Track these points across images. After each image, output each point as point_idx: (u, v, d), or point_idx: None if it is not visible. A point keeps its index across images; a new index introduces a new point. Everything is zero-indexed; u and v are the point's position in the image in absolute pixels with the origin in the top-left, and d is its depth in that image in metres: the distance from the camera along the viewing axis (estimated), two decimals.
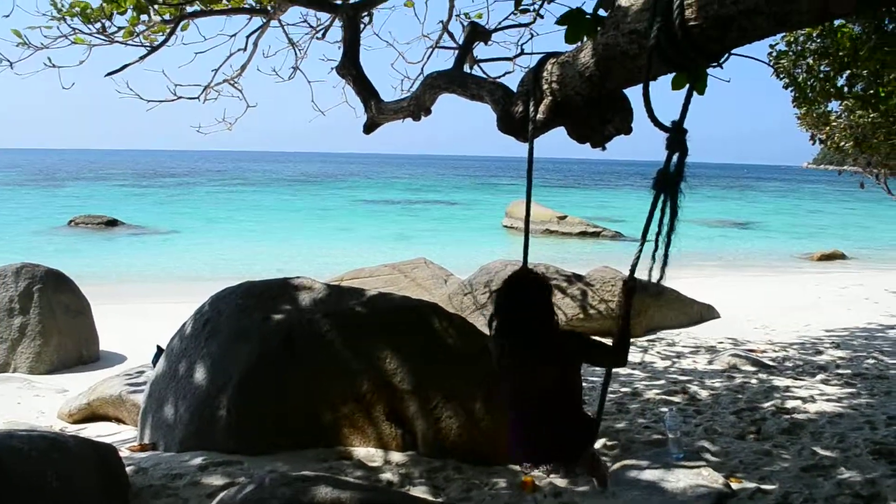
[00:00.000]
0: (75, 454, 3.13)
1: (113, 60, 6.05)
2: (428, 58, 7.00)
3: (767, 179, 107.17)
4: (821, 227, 38.16)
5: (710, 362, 8.30)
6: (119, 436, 6.02)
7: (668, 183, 2.91)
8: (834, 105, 10.10)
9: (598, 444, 5.03)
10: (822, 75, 7.78)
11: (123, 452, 4.76)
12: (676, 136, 2.85)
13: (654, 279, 3.10)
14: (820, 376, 7.59)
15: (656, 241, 3.03)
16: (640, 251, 3.13)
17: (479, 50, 6.45)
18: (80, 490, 2.85)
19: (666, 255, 2.99)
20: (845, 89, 7.83)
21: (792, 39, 7.77)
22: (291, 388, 4.69)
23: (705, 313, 12.23)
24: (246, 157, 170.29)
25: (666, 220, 2.94)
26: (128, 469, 4.15)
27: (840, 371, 7.87)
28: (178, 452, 4.66)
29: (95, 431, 6.30)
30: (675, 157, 2.90)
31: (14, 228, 28.94)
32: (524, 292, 3.41)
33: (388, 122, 5.96)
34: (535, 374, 3.39)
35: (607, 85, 3.09)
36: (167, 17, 5.54)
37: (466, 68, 5.84)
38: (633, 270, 3.30)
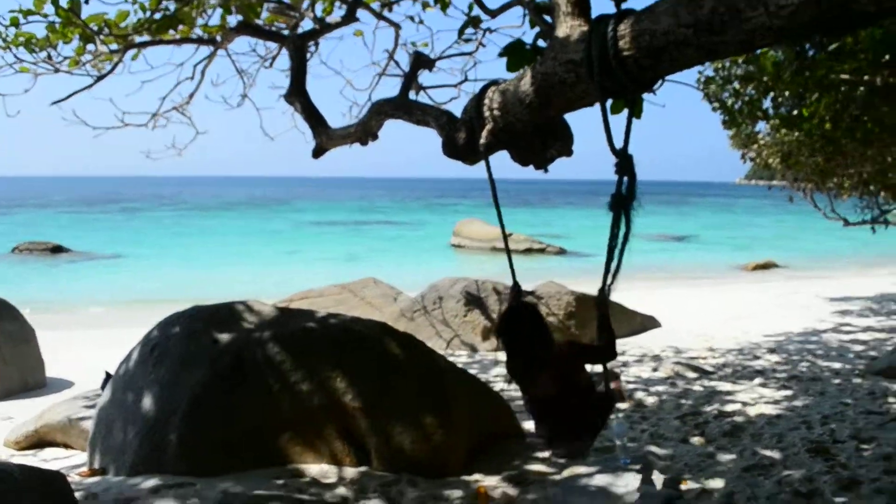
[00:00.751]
0: (20, 482, 3.09)
1: (60, 88, 6.02)
2: (375, 84, 7.11)
3: (703, 195, 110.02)
4: (754, 238, 39.42)
5: (654, 370, 8.54)
6: (68, 461, 5.90)
7: (622, 203, 3.19)
8: (761, 125, 10.54)
9: (548, 453, 5.15)
10: (748, 98, 8.14)
11: (73, 478, 4.69)
12: (624, 161, 3.09)
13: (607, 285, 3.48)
14: (758, 380, 7.88)
15: (610, 253, 3.38)
16: (609, 265, 3.47)
17: (425, 77, 6.62)
18: None
19: (619, 265, 3.37)
20: (770, 111, 8.20)
21: (719, 66, 8.11)
22: (242, 409, 4.69)
23: (647, 323, 12.55)
24: (195, 182, 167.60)
25: (621, 233, 3.28)
26: (77, 494, 4.09)
27: (777, 374, 8.19)
28: (128, 476, 4.61)
29: (43, 458, 6.18)
30: (625, 180, 3.17)
31: None
32: (519, 322, 3.95)
33: (336, 147, 6.05)
34: (545, 383, 3.89)
35: (547, 112, 3.24)
36: (114, 46, 5.54)
37: (412, 95, 5.97)
38: (604, 283, 3.68)
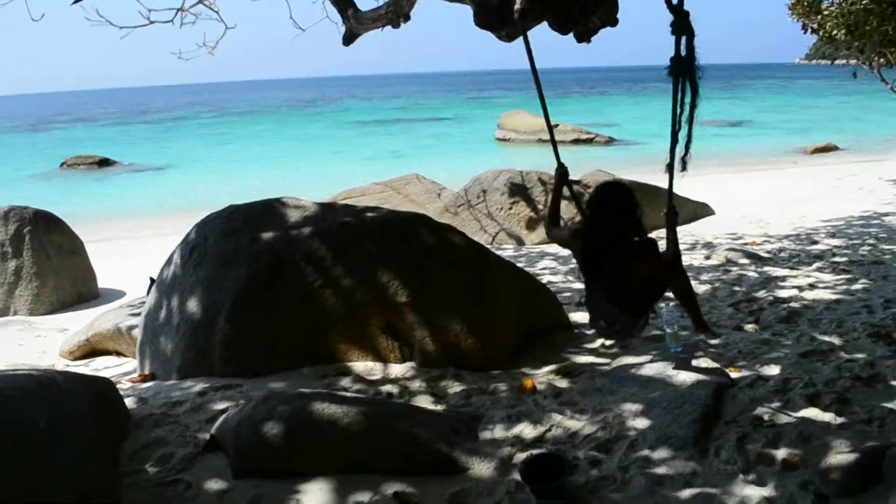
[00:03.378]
0: (65, 390, 3.08)
1: None
2: None
3: (759, 77, 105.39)
4: (814, 121, 37.74)
5: (706, 258, 8.28)
6: (119, 368, 6.02)
7: (684, 66, 2.93)
8: None
9: (597, 344, 5.02)
10: None
11: (124, 384, 4.76)
12: (679, 19, 2.82)
13: (678, 171, 3.23)
14: (816, 265, 7.58)
15: (678, 126, 3.14)
16: (675, 136, 3.25)
17: None
18: (71, 428, 2.81)
19: (689, 135, 3.14)
20: None
21: None
22: (284, 308, 4.64)
23: (700, 211, 12.19)
24: (229, 88, 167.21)
25: (688, 100, 3.04)
26: (129, 400, 4.15)
27: (836, 259, 7.87)
28: (177, 381, 4.65)
29: (96, 367, 6.31)
30: (683, 41, 2.91)
31: (8, 174, 28.57)
32: (612, 199, 3.70)
33: (367, 32, 5.75)
34: (619, 278, 3.70)
35: None
36: None
37: None
38: (670, 199, 3.46)
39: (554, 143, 4.18)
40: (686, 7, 2.87)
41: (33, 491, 2.36)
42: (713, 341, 5.04)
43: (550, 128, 4.18)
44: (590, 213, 3.80)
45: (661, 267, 3.77)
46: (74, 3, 6.01)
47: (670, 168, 3.45)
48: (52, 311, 9.64)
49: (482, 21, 3.57)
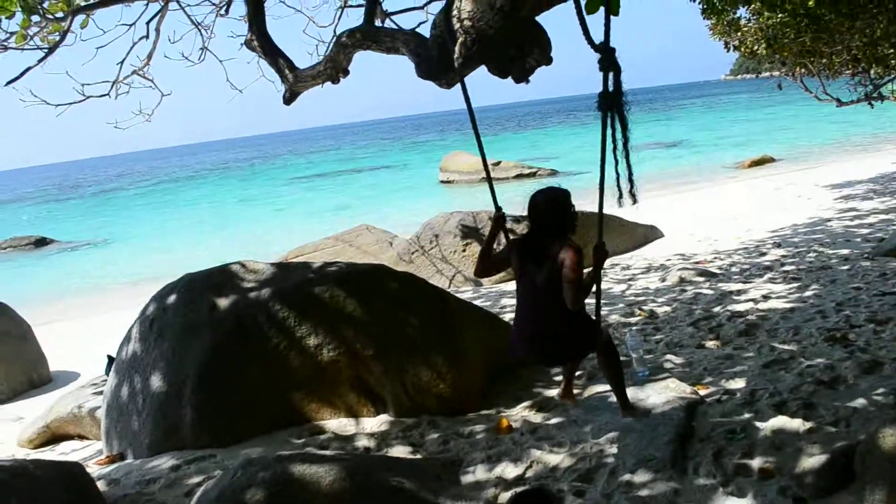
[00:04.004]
0: (38, 478, 3.00)
1: (10, 68, 5.76)
2: (339, 18, 6.87)
3: (689, 97, 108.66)
4: (746, 135, 38.93)
5: (662, 280, 8.45)
6: (85, 451, 5.84)
7: (611, 101, 3.01)
8: (742, 11, 10.21)
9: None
10: None
11: (92, 468, 4.62)
12: (606, 56, 2.92)
13: (628, 204, 3.29)
14: (767, 276, 7.80)
15: (615, 163, 3.20)
16: (603, 179, 3.30)
17: (390, 3, 6.32)
18: None
19: (629, 170, 3.19)
20: None
21: None
22: (252, 373, 4.59)
23: (650, 234, 12.44)
24: (167, 155, 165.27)
25: (619, 135, 3.11)
26: (99, 483, 4.03)
27: (785, 268, 8.11)
28: (148, 458, 4.54)
29: (60, 452, 6.12)
30: (610, 77, 3.00)
31: None
32: (546, 205, 3.85)
33: (307, 90, 5.80)
34: (535, 273, 3.81)
35: (519, 13, 3.03)
36: (60, 14, 5.24)
37: (378, 23, 5.70)
38: (600, 234, 3.53)
39: (491, 187, 4.30)
40: (611, 42, 2.98)
41: None
42: (678, 360, 5.14)
43: (488, 172, 4.31)
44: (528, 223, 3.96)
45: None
46: (8, 84, 5.96)
47: (600, 206, 3.55)
48: (5, 400, 9.29)
49: (424, 72, 3.66)
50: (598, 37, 2.95)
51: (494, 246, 4.35)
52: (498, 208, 4.20)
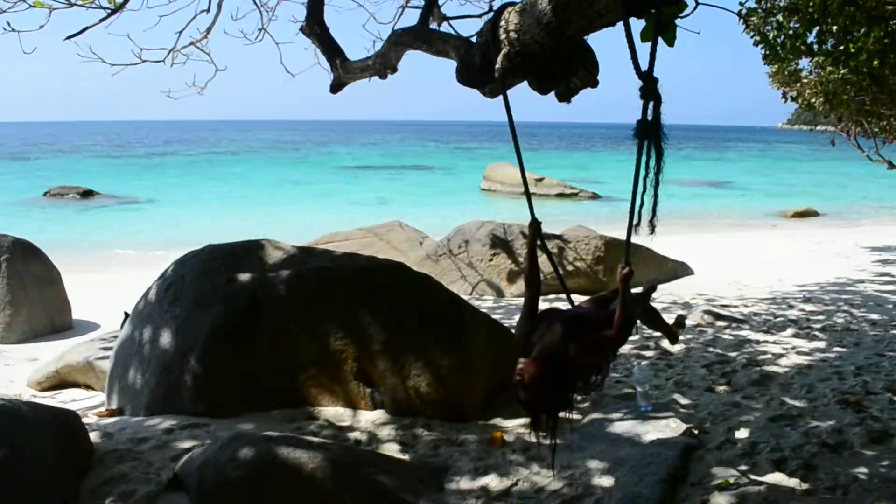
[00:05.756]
0: (30, 421, 3.06)
1: (75, 24, 5.88)
2: (399, 17, 6.89)
3: (743, 140, 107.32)
4: (794, 185, 38.36)
5: None
6: (87, 402, 5.94)
7: (648, 130, 2.98)
8: (804, 62, 10.04)
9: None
10: (791, 32, 7.69)
11: (90, 418, 4.70)
12: (648, 84, 2.90)
13: (645, 233, 3.21)
14: (790, 330, 7.65)
15: (643, 191, 3.15)
16: (634, 205, 3.25)
17: (449, 7, 6.35)
18: (32, 457, 2.78)
19: (655, 198, 3.13)
20: (815, 46, 7.75)
21: None
22: (257, 349, 4.63)
23: (679, 270, 12.30)
24: (218, 127, 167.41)
25: (652, 164, 3.07)
26: (93, 434, 4.10)
27: (811, 324, 7.95)
28: (145, 417, 4.60)
29: (63, 399, 6.23)
30: (650, 106, 2.97)
31: None
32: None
33: (354, 81, 5.85)
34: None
35: (566, 32, 3.02)
36: None
37: (434, 26, 5.73)
38: (627, 254, 3.43)
39: (528, 197, 4.16)
40: (661, 80, 2.96)
41: None
42: (684, 401, 5.07)
43: (525, 183, 4.22)
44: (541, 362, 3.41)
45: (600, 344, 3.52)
46: (68, 38, 6.09)
47: (629, 228, 3.46)
48: (24, 340, 9.50)
49: (464, 78, 3.66)
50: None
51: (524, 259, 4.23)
52: (534, 219, 3.89)
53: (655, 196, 3.14)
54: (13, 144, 76.65)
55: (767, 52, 8.13)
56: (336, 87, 5.83)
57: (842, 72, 8.59)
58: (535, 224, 4.01)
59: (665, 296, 10.19)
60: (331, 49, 5.68)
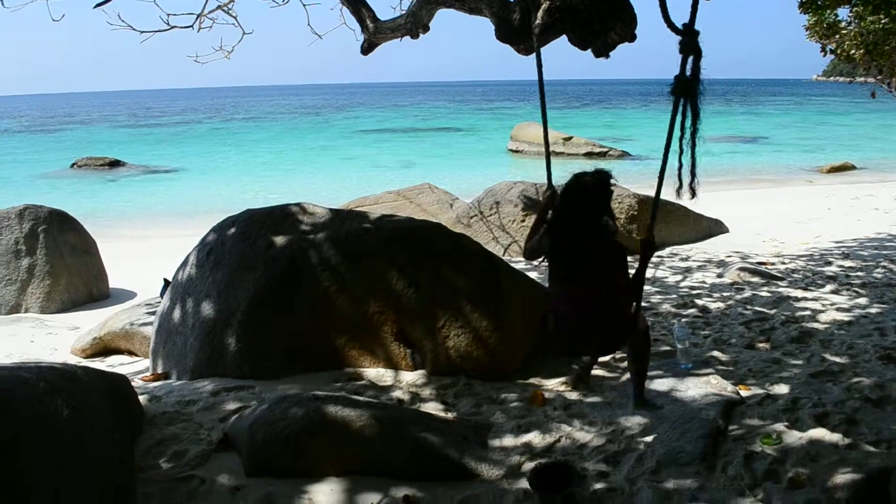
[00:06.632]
0: (86, 384, 3.14)
1: None
2: None
3: (776, 94, 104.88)
4: (831, 139, 37.49)
5: (719, 276, 8.28)
6: (132, 367, 6.09)
7: (687, 87, 2.92)
8: (843, 12, 9.78)
9: (607, 357, 5.04)
10: None
11: (136, 382, 4.81)
12: (688, 38, 2.83)
13: (686, 197, 3.16)
14: (829, 286, 7.57)
15: (679, 152, 3.08)
16: (664, 167, 3.19)
17: None
18: (92, 418, 2.87)
19: (693, 160, 3.07)
20: None
21: None
22: (298, 313, 4.70)
23: (714, 228, 12.17)
24: (243, 93, 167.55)
25: (688, 124, 3.00)
26: (141, 398, 4.20)
27: (850, 281, 7.85)
28: (190, 380, 4.71)
29: (109, 364, 6.38)
30: (689, 61, 2.90)
31: (18, 173, 28.85)
32: (584, 190, 3.44)
33: (385, 42, 5.81)
34: (575, 270, 3.49)
35: None
36: None
37: None
38: (651, 225, 3.37)
39: (548, 161, 4.04)
40: (697, 27, 2.88)
41: (62, 473, 2.42)
42: (724, 358, 5.06)
43: (547, 145, 4.13)
44: (562, 201, 3.56)
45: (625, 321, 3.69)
46: (97, 6, 6.12)
47: (656, 195, 3.39)
48: (64, 309, 9.73)
49: (503, 35, 3.62)
50: (681, 18, 2.87)
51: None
52: (550, 186, 3.86)
53: (693, 158, 3.08)
54: (37, 116, 77.46)
55: (805, 0, 7.93)
56: (367, 49, 5.80)
57: (883, 21, 8.36)
58: (550, 192, 3.85)
59: (700, 254, 10.11)
60: (360, 9, 5.64)
